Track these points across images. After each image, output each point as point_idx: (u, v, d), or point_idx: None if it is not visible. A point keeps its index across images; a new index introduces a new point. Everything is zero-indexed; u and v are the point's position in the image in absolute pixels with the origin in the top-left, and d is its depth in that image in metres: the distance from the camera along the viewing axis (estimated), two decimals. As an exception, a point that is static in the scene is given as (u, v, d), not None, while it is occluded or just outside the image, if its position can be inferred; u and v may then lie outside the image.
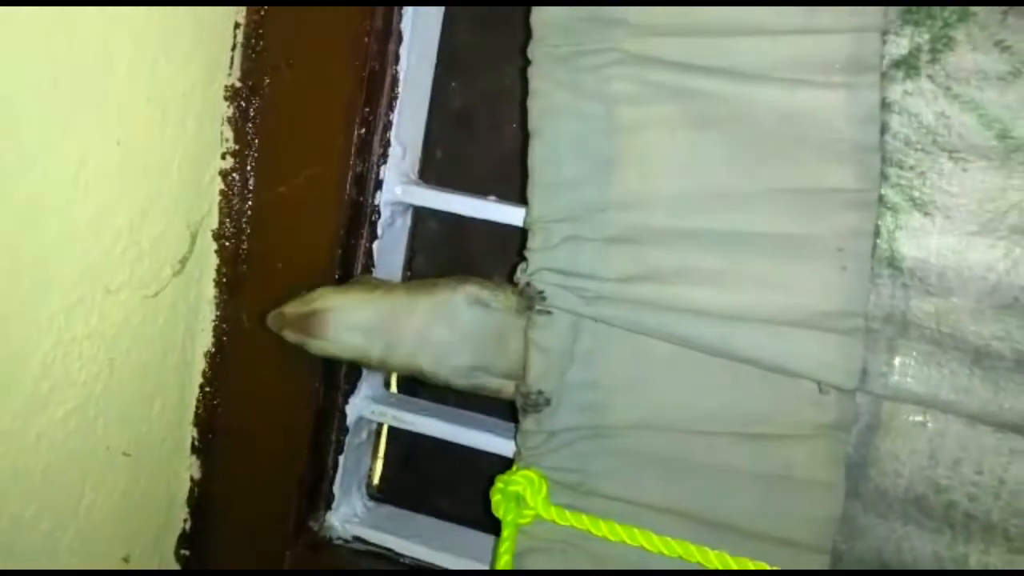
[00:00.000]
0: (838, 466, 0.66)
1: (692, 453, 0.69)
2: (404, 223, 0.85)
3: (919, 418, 0.65)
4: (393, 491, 0.94)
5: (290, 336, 0.71)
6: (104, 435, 0.69)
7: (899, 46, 0.60)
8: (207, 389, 0.81)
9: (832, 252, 0.64)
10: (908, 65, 0.60)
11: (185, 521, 0.83)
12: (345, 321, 0.71)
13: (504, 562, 0.67)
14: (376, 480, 0.96)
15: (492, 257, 0.91)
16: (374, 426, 0.88)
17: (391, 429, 0.94)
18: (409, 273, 0.93)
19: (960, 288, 0.61)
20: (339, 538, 0.83)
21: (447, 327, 0.72)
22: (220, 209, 0.78)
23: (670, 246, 0.67)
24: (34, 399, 0.61)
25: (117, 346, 0.69)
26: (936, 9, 0.59)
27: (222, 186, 0.78)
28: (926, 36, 0.60)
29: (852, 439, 0.67)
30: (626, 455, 0.70)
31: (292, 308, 0.71)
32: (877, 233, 0.63)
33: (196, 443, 0.82)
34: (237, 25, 0.76)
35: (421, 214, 0.90)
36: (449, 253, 0.96)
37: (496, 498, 0.72)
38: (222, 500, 0.83)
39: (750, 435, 0.68)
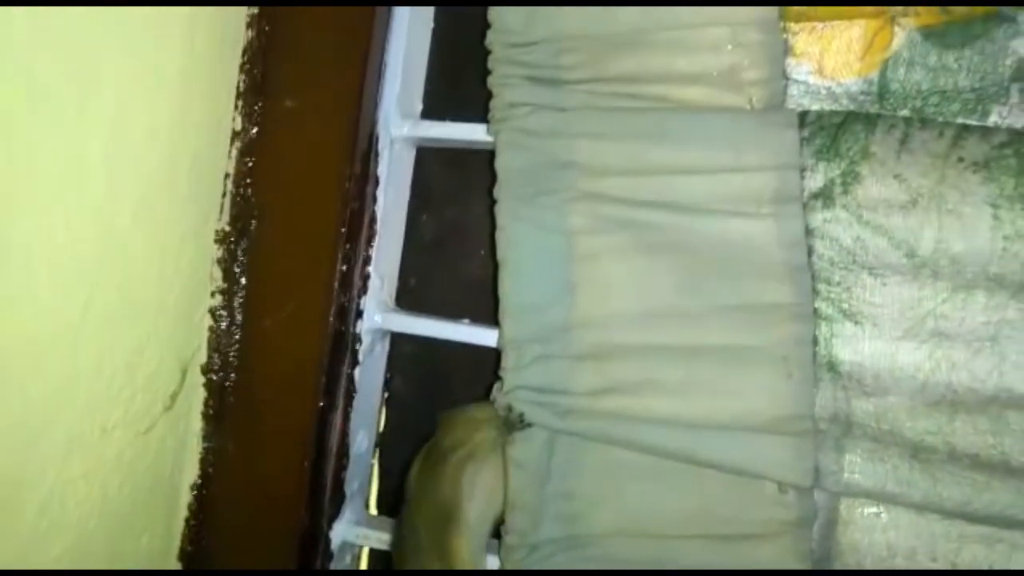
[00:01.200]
0: (803, 561, 0.71)
1: (666, 556, 0.73)
2: (383, 348, 0.90)
3: (873, 510, 0.71)
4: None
5: None
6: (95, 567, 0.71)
7: (816, 180, 0.69)
8: (192, 522, 0.83)
9: (778, 360, 0.71)
10: (825, 196, 0.69)
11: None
12: None
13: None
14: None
15: (464, 374, 0.96)
16: (356, 550, 0.90)
17: (372, 549, 0.96)
18: (387, 394, 0.98)
19: (894, 387, 0.68)
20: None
21: None
22: (209, 344, 0.83)
23: (631, 360, 0.73)
24: (33, 538, 0.63)
25: (110, 483, 0.71)
26: (843, 148, 0.69)
27: (211, 322, 0.83)
28: (837, 172, 0.70)
29: (814, 535, 0.72)
30: (604, 562, 0.74)
31: None
32: (816, 341, 0.70)
33: (182, 576, 0.83)
34: (227, 175, 0.84)
35: (396, 337, 0.95)
36: (424, 372, 1.01)
37: (481, 612, 0.74)
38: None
39: (720, 536, 0.72)
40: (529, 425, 0.74)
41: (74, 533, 0.68)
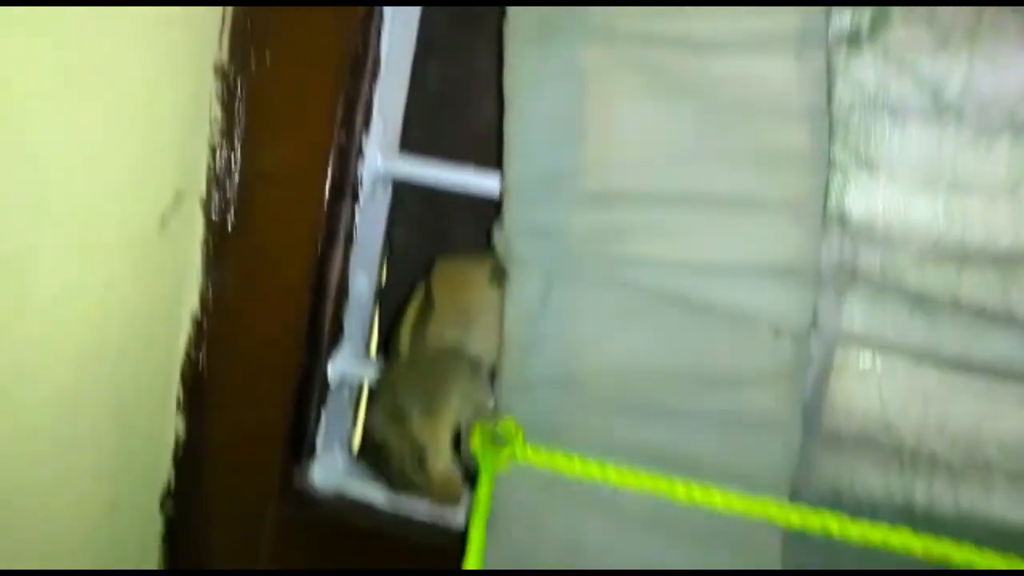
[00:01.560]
0: (795, 408, 0.72)
1: (658, 399, 0.73)
2: (385, 194, 0.89)
3: (868, 363, 0.71)
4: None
5: None
6: (93, 389, 0.72)
7: (843, 22, 0.66)
8: (192, 351, 0.84)
9: (787, 209, 0.69)
10: (851, 38, 0.66)
11: (169, 478, 0.86)
12: None
13: (482, 499, 0.71)
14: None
15: (468, 228, 0.95)
16: (355, 387, 0.92)
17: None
18: (390, 246, 0.97)
19: (903, 242, 0.67)
20: (322, 492, 0.86)
21: None
22: (208, 181, 0.82)
23: (636, 206, 0.72)
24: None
25: (111, 292, 0.72)
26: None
27: (210, 160, 0.82)
28: (867, 15, 0.66)
29: (807, 384, 0.72)
30: (596, 402, 0.75)
31: None
32: (828, 192, 0.69)
33: (180, 401, 0.85)
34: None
35: (400, 189, 0.94)
36: (427, 226, 1.00)
37: (476, 443, 0.76)
38: (207, 456, 0.85)
39: (712, 381, 0.73)
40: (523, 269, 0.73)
41: (78, 349, 0.69)
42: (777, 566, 0.69)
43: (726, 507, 0.69)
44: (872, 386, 0.71)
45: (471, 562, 0.65)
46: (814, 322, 0.67)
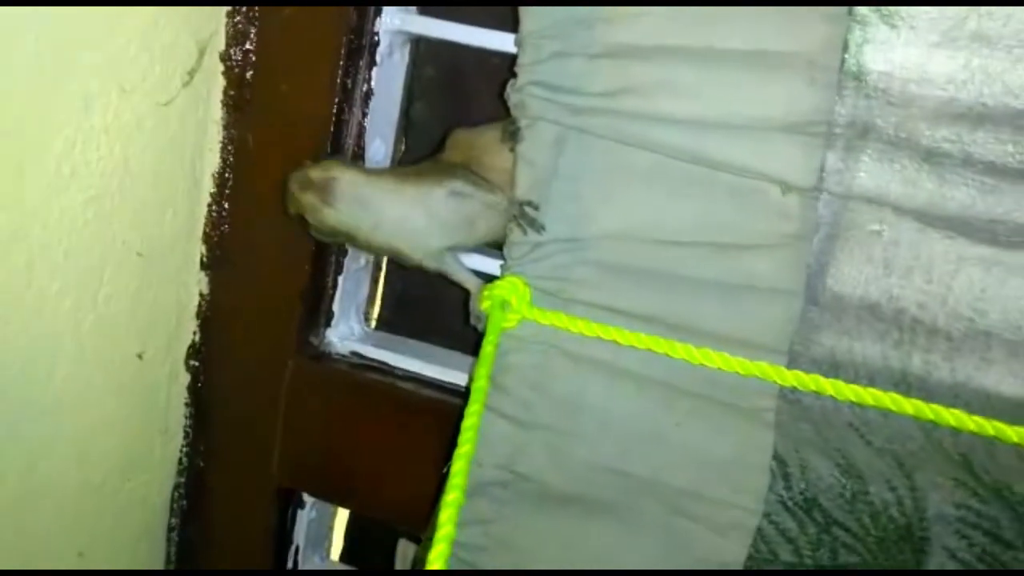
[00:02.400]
0: (799, 274, 0.72)
1: (664, 263, 0.74)
2: (403, 57, 0.88)
3: (875, 227, 0.70)
4: (388, 327, 1.01)
5: (308, 199, 0.75)
6: (120, 230, 0.75)
7: None
8: (214, 208, 0.86)
9: (803, 65, 0.68)
10: None
11: (195, 333, 0.89)
12: (351, 194, 0.76)
13: (487, 352, 0.73)
14: (374, 317, 1.03)
15: (488, 97, 0.94)
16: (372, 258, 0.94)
17: (388, 271, 1.00)
18: (407, 120, 0.98)
19: (920, 99, 0.65)
20: (338, 353, 0.89)
21: (425, 215, 0.78)
22: (227, 32, 0.82)
23: (652, 61, 0.71)
24: (57, 179, 0.67)
25: (132, 146, 0.73)
26: None
27: (228, 8, 0.82)
28: None
29: (813, 248, 0.72)
30: (603, 264, 0.76)
31: (315, 173, 0.76)
32: (846, 47, 0.67)
33: (204, 259, 0.87)
34: None
35: (419, 61, 0.93)
36: (446, 99, 1.00)
37: (484, 302, 0.78)
38: (229, 314, 0.89)
39: (718, 245, 0.73)
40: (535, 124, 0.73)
41: (98, 186, 0.71)
42: (770, 427, 0.70)
43: (723, 367, 0.70)
44: (877, 250, 0.71)
45: (471, 415, 0.67)
46: (822, 179, 0.67)
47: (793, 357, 0.73)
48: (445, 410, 0.82)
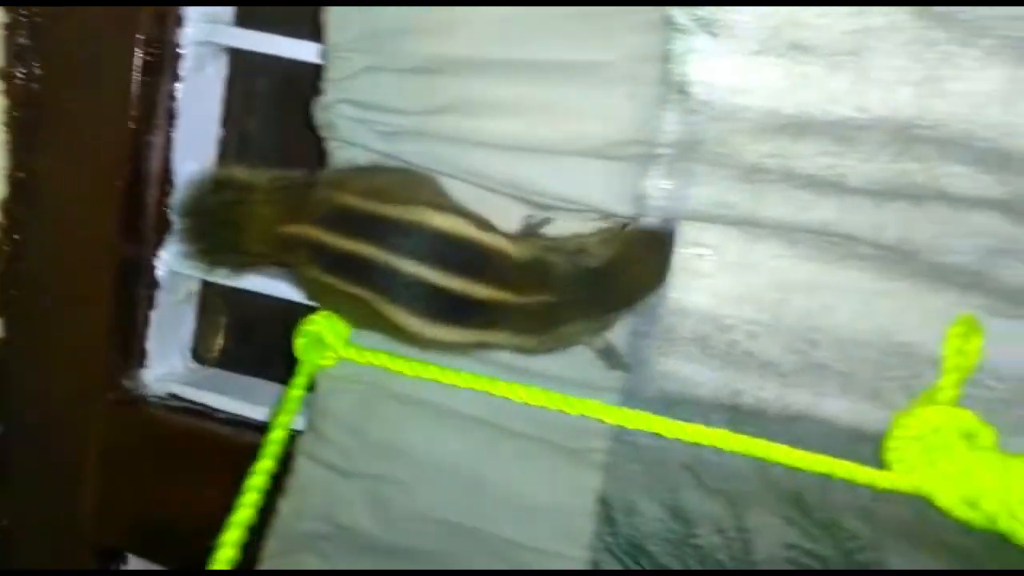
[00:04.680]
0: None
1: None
2: (216, 69, 0.81)
3: (703, 252, 0.66)
4: (232, 361, 0.93)
5: None
6: None
7: None
8: (5, 243, 0.77)
9: (623, 79, 0.63)
10: None
11: (-9, 379, 0.80)
12: None
13: (293, 396, 0.66)
14: (215, 351, 0.95)
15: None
16: (196, 286, 0.86)
17: (232, 300, 0.92)
18: (241, 137, 0.90)
19: (744, 109, 0.61)
20: (154, 395, 0.81)
21: None
22: (7, 44, 0.73)
23: (467, 76, 0.65)
24: None
25: None
26: None
27: (6, 20, 0.73)
28: None
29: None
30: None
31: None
32: (668, 58, 0.62)
33: (-3, 299, 0.78)
34: None
35: (248, 72, 0.86)
36: (284, 113, 0.92)
37: (299, 340, 0.71)
38: (29, 360, 0.80)
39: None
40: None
41: None
42: (598, 469, 0.65)
43: (548, 405, 0.64)
44: (706, 278, 0.66)
45: (264, 462, 0.60)
46: (644, 205, 0.62)
47: (628, 395, 0.68)
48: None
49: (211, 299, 0.92)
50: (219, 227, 0.69)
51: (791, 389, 0.65)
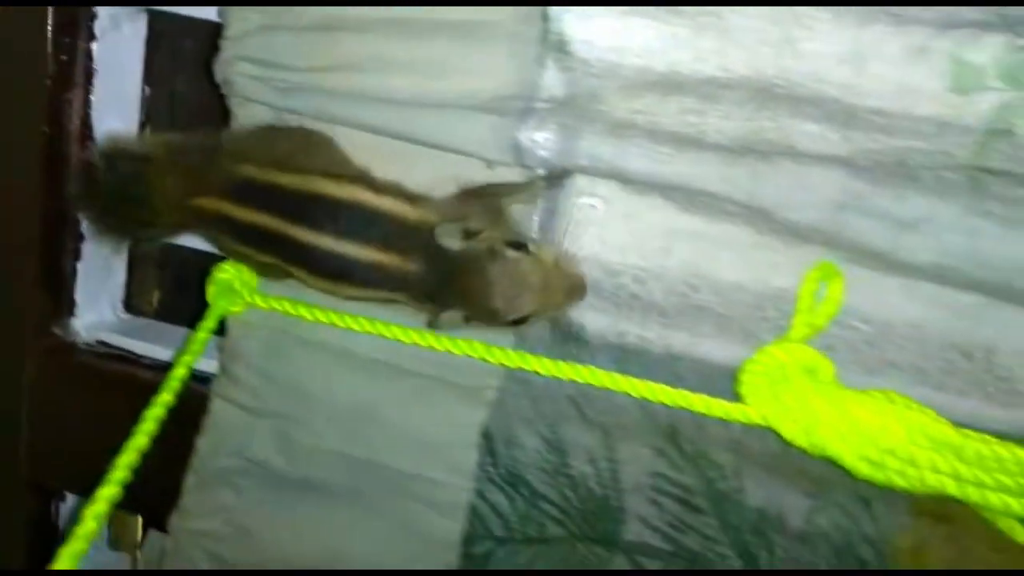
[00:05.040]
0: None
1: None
2: (134, 28, 0.83)
3: (590, 202, 0.69)
4: (170, 313, 0.97)
5: None
6: None
7: None
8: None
9: (506, 37, 0.66)
10: None
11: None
12: None
13: (199, 339, 0.70)
14: (153, 303, 0.99)
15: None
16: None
17: (168, 255, 0.96)
18: (171, 96, 0.92)
19: (618, 68, 0.64)
20: (84, 343, 0.85)
21: None
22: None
23: (363, 34, 0.68)
24: None
25: None
26: None
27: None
28: None
29: (537, 224, 0.71)
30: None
31: None
32: (546, 16, 0.65)
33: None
34: None
35: (176, 32, 0.88)
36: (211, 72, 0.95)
37: (210, 287, 0.75)
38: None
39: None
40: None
41: None
42: (486, 405, 0.70)
43: (440, 347, 0.68)
44: (595, 226, 0.70)
45: (163, 396, 0.64)
46: (518, 153, 0.65)
47: (521, 337, 0.73)
48: (193, 399, 0.79)
49: (144, 253, 0.96)
50: (121, 203, 0.72)
51: (672, 330, 0.70)
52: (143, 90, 0.87)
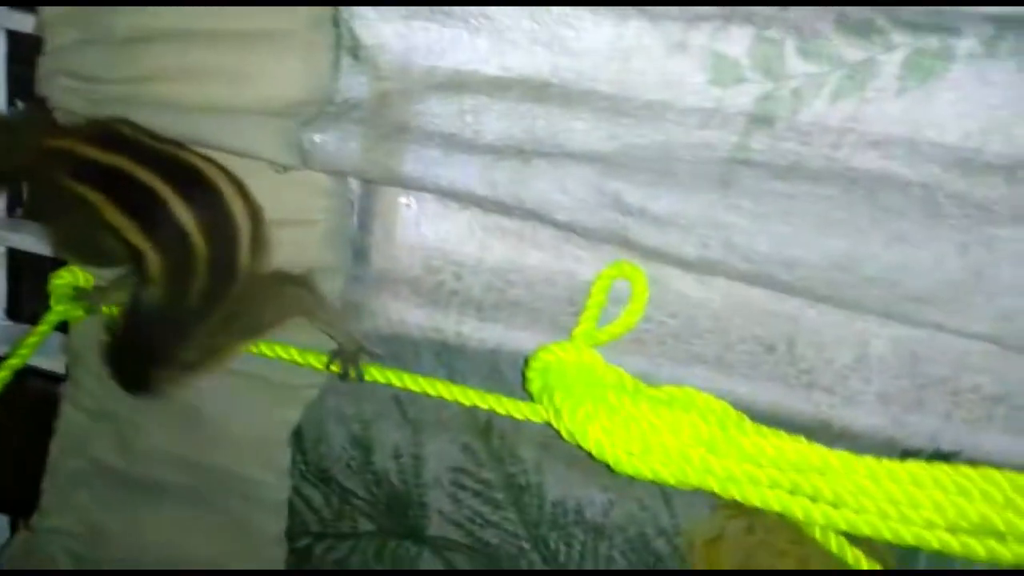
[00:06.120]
0: (339, 248, 0.72)
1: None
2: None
3: (403, 201, 0.71)
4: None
5: None
6: None
7: None
8: None
9: (300, 45, 0.67)
10: None
11: None
12: None
13: (28, 343, 0.73)
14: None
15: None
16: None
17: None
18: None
19: (407, 71, 0.65)
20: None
21: None
22: None
23: (166, 46, 0.70)
24: None
25: None
26: None
27: None
28: None
29: (354, 225, 0.73)
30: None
31: None
32: (336, 22, 0.66)
33: None
34: None
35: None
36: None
37: (52, 292, 0.77)
38: None
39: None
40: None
41: None
42: (301, 404, 0.72)
43: (264, 354, 0.70)
44: (411, 226, 0.71)
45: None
46: (309, 159, 0.66)
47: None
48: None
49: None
50: None
51: (488, 323, 0.71)
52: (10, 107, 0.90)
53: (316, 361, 0.70)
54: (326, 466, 0.70)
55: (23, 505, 0.88)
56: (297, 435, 0.71)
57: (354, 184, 0.72)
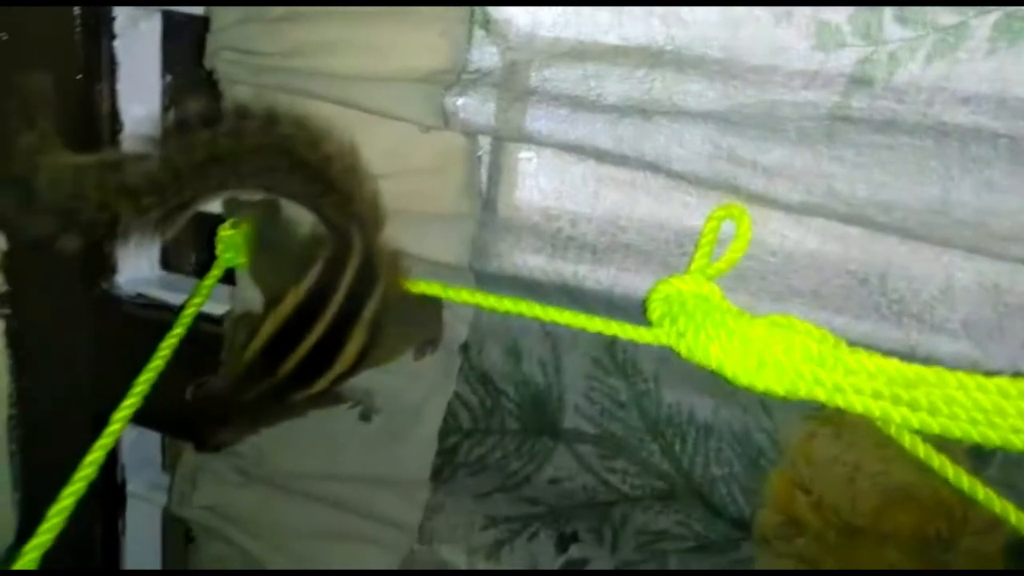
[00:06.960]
0: (471, 196, 0.82)
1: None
2: (152, 27, 0.97)
3: (526, 155, 0.80)
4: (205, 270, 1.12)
5: None
6: None
7: None
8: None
9: (436, 19, 0.76)
10: None
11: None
12: None
13: (204, 285, 0.85)
14: (192, 262, 1.15)
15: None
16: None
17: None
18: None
19: (532, 42, 0.73)
20: (125, 295, 1.02)
21: None
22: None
23: (315, 24, 0.79)
24: None
25: None
26: None
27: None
28: None
29: (482, 178, 0.82)
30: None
31: None
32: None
33: None
34: None
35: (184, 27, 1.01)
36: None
37: (218, 243, 0.89)
38: (29, 265, 1.01)
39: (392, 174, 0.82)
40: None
41: None
42: (465, 322, 0.84)
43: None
44: (531, 178, 0.80)
45: (176, 330, 0.79)
46: (448, 120, 0.75)
47: (478, 277, 0.84)
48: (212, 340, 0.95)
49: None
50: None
51: (601, 266, 0.80)
52: (163, 77, 1.01)
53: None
54: (485, 369, 0.83)
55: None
56: (464, 347, 0.84)
57: (483, 141, 0.81)
